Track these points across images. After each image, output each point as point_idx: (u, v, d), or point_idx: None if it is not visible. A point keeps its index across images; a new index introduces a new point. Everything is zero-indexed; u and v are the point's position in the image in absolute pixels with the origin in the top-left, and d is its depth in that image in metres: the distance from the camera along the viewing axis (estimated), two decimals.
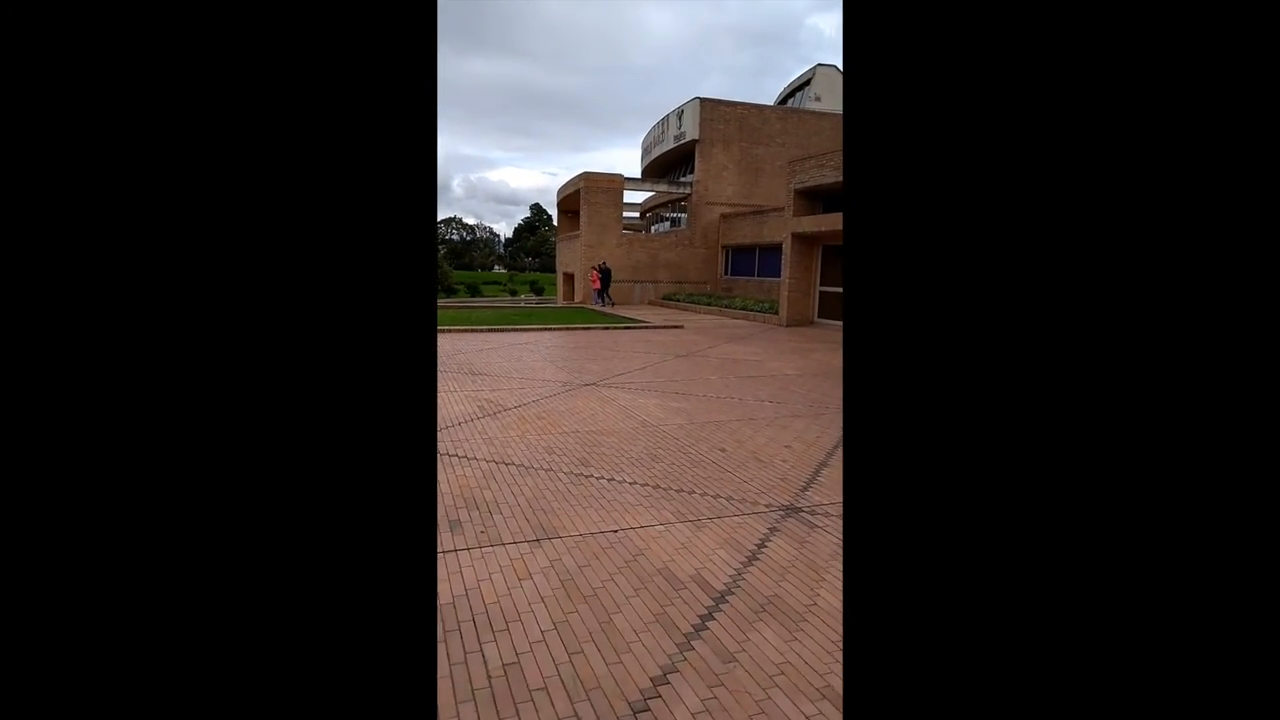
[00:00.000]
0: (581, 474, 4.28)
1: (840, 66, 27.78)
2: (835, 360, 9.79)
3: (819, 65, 28.67)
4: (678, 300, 20.81)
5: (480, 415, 5.87)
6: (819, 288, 15.11)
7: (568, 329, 13.39)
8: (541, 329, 13.25)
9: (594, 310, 18.45)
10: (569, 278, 24.70)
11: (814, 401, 6.76)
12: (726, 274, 22.69)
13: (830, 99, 27.49)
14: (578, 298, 22.18)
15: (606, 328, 13.72)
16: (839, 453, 4.81)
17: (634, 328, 14.02)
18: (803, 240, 14.82)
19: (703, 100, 22.21)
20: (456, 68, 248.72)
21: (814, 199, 14.79)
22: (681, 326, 14.40)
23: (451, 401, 6.40)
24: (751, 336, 12.87)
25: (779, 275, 19.12)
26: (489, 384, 7.35)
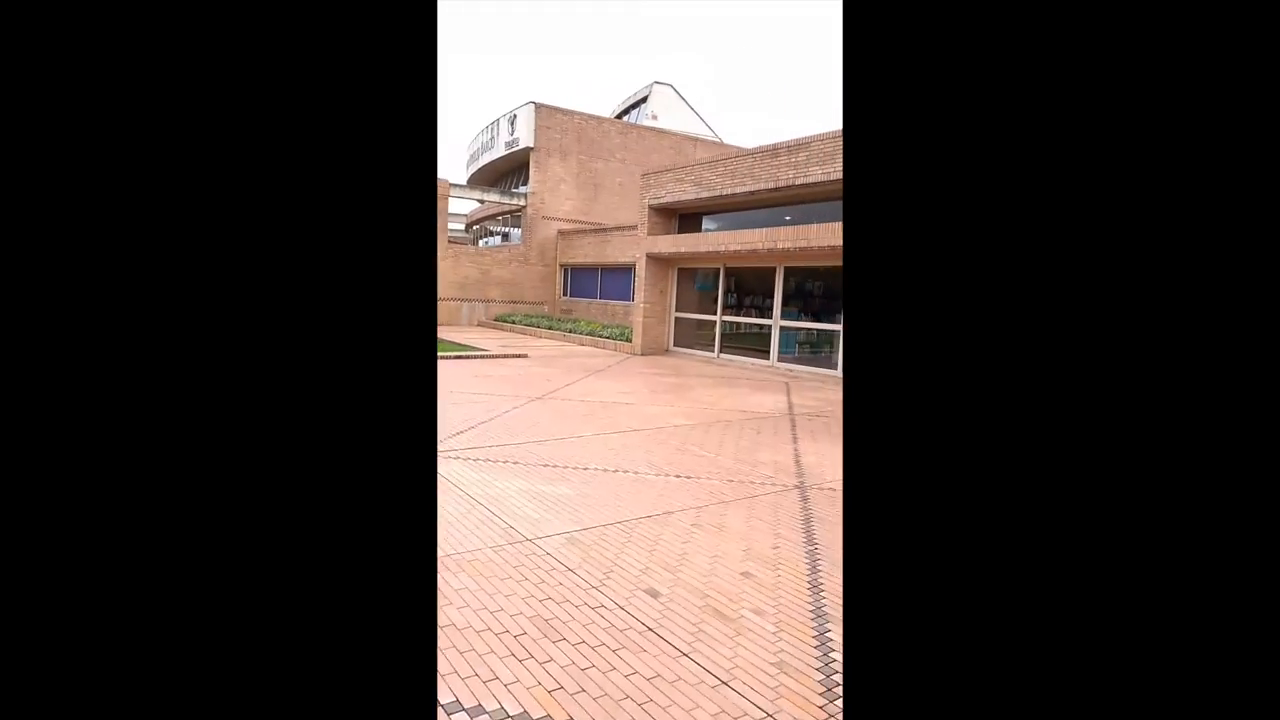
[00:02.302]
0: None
1: (676, 87, 27.55)
2: (720, 400, 8.35)
3: (655, 83, 28.15)
4: (513, 322, 18.62)
5: None
6: (674, 313, 13.82)
7: None
8: None
9: None
10: None
11: (734, 471, 5.13)
12: (566, 295, 20.92)
13: (667, 118, 26.99)
14: None
15: (443, 358, 11.26)
16: (828, 582, 3.18)
17: (469, 357, 11.71)
18: (658, 262, 13.47)
19: (538, 105, 20.39)
20: None
21: (670, 217, 13.52)
22: (525, 355, 12.32)
23: None
24: (609, 368, 11.16)
25: (626, 298, 17.78)
26: None
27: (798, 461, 5.57)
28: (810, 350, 11.49)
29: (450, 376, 9.41)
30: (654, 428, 6.60)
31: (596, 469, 5.02)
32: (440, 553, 3.35)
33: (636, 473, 4.96)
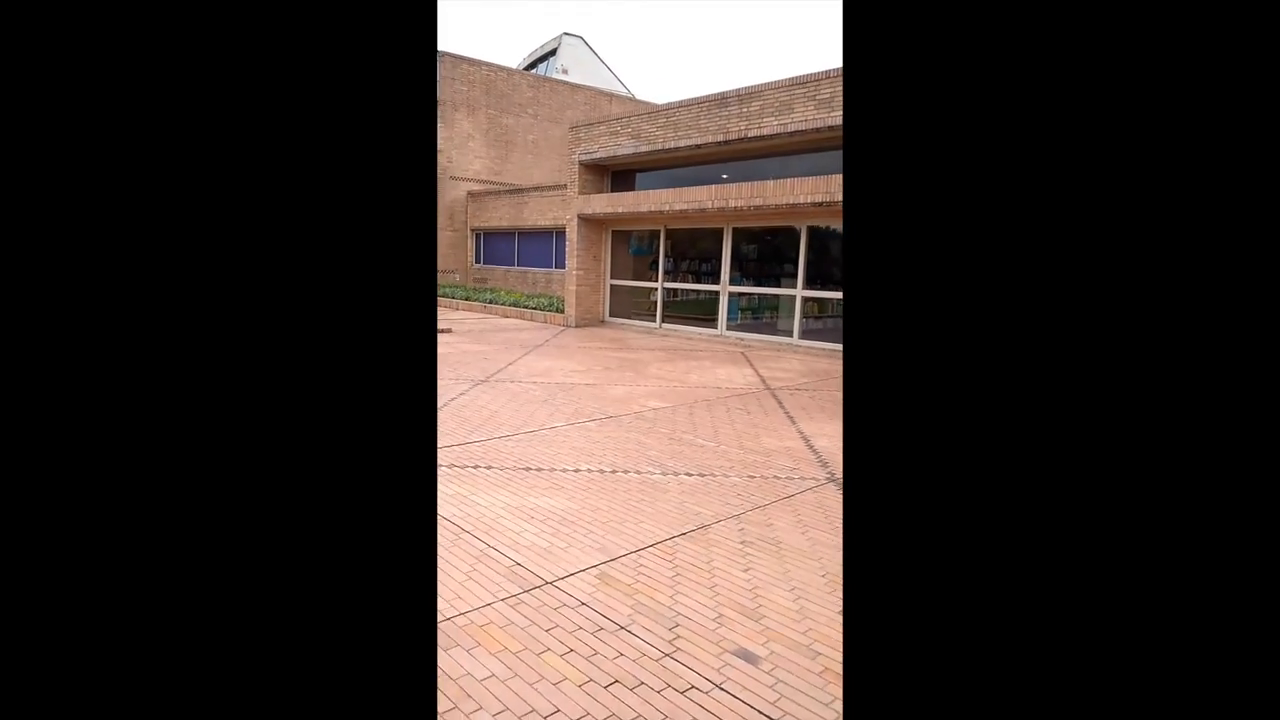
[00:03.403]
0: None
1: (586, 39, 26.14)
2: (684, 375, 7.61)
3: (565, 34, 26.49)
4: None
5: None
6: (610, 280, 12.90)
7: None
8: None
9: None
10: None
11: (748, 464, 4.40)
12: (479, 262, 19.45)
13: (578, 72, 25.49)
14: None
15: None
16: None
17: None
18: (591, 224, 12.45)
19: (443, 54, 18.52)
20: None
21: (602, 174, 12.49)
22: (449, 330, 11.07)
23: None
24: (546, 343, 10.16)
25: (548, 265, 16.64)
26: None
27: (810, 446, 4.91)
28: (754, 316, 10.94)
29: None
30: (630, 413, 5.76)
31: (590, 470, 4.15)
32: (440, 614, 2.41)
33: (639, 472, 4.13)
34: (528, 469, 4.13)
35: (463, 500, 3.55)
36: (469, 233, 19.42)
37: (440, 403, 5.84)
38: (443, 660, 2.15)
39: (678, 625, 2.41)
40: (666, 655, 2.22)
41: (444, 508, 3.43)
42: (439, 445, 4.55)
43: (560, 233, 15.75)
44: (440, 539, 3.06)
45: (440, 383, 6.74)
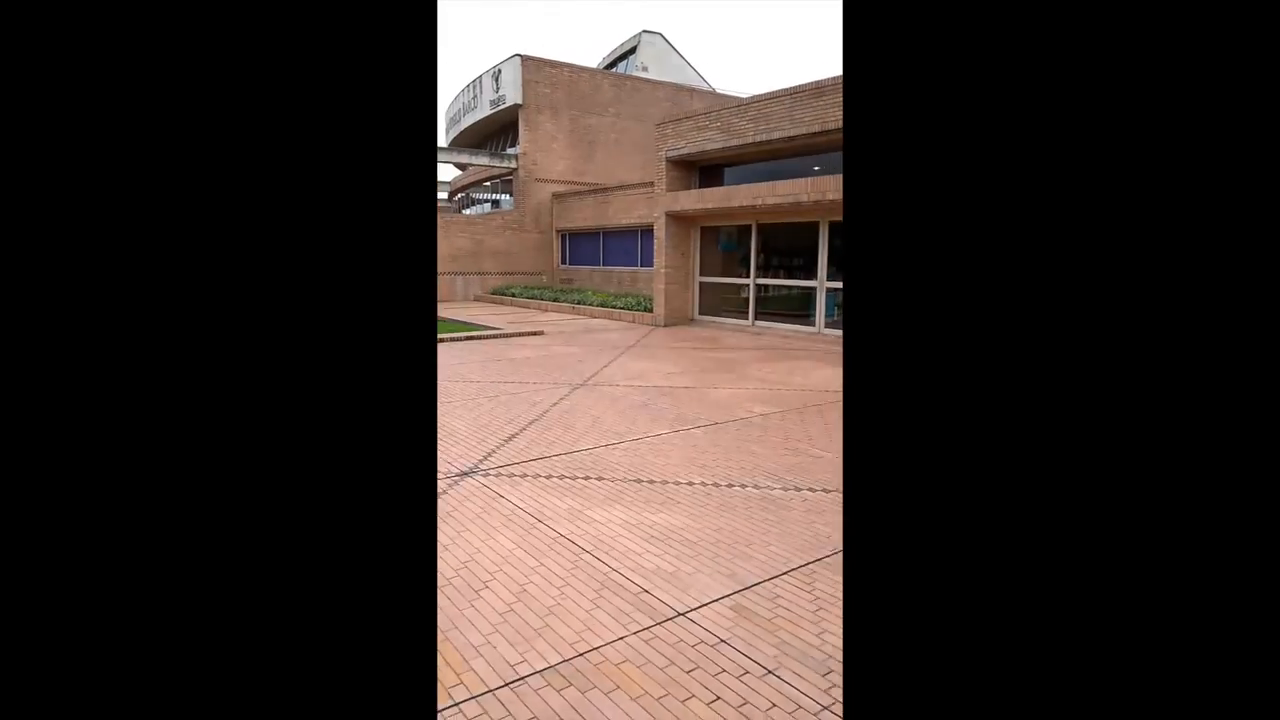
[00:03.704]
0: None
1: (665, 36, 25.93)
2: (786, 377, 7.28)
3: (644, 32, 26.36)
4: (512, 295, 17.33)
5: None
6: (699, 278, 12.65)
7: None
8: None
9: None
10: None
11: None
12: (564, 263, 19.60)
13: (658, 68, 25.31)
14: None
15: (442, 339, 10.06)
16: None
17: (481, 337, 10.50)
18: (680, 221, 12.24)
19: (525, 58, 18.77)
20: None
21: (689, 170, 12.25)
22: (541, 332, 11.14)
23: None
24: (637, 343, 10.03)
25: (633, 264, 16.55)
26: None
27: None
28: None
29: (471, 362, 8.23)
30: (736, 419, 5.52)
31: (704, 483, 3.94)
32: (570, 648, 2.26)
33: (758, 487, 3.89)
34: (639, 480, 3.97)
35: (578, 516, 3.42)
36: (554, 234, 19.61)
37: (543, 408, 5.78)
38: (581, 704, 2.00)
39: (831, 672, 2.17)
40: (825, 709, 1.99)
41: (560, 524, 3.31)
42: (549, 454, 4.46)
43: (645, 231, 15.62)
44: (560, 559, 2.93)
45: (539, 387, 6.71)
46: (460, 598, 2.61)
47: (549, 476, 4.03)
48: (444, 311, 14.67)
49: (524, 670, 2.17)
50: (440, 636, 2.35)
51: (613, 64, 28.07)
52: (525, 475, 4.05)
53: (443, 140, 24.29)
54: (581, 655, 2.24)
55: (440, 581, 2.73)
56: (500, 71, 19.42)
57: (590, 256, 18.53)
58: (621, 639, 2.35)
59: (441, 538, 3.15)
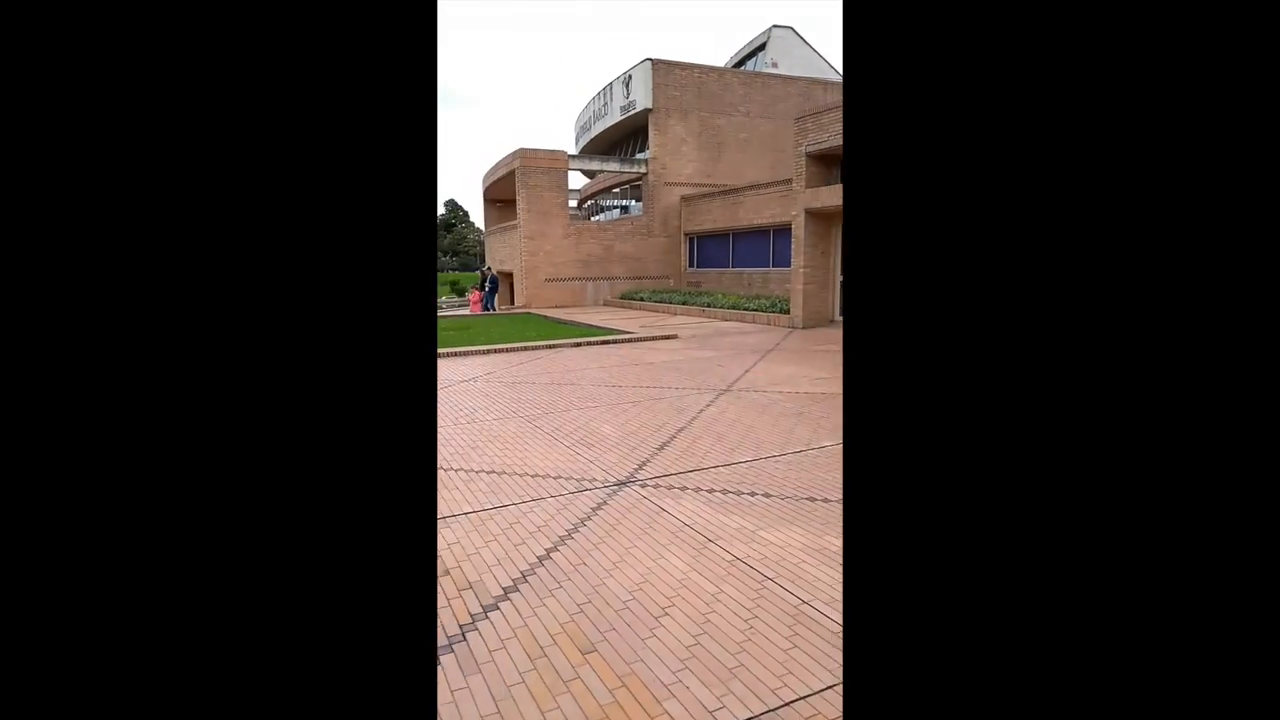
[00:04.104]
0: None
1: (796, 29, 25.11)
2: None
3: (773, 27, 25.70)
4: (640, 299, 17.34)
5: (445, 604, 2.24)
6: (839, 277, 11.98)
7: (524, 349, 9.70)
8: (489, 350, 9.50)
9: (550, 320, 14.70)
10: (505, 277, 20.77)
11: None
12: (692, 266, 19.40)
13: (788, 63, 24.56)
14: (519, 302, 18.35)
15: (577, 344, 10.13)
16: None
17: (615, 341, 10.48)
18: (819, 219, 11.64)
19: (655, 62, 18.77)
20: None
21: (830, 165, 11.63)
22: (675, 336, 10.96)
23: None
24: (777, 346, 9.59)
25: (764, 265, 16.05)
26: (441, 498, 3.69)
27: None
28: None
29: (609, 366, 8.17)
30: None
31: None
32: (773, 695, 1.96)
33: None
34: (812, 499, 3.61)
35: (752, 537, 3.12)
36: (682, 237, 19.47)
37: (690, 415, 5.54)
38: None
39: None
40: None
41: (734, 545, 3.03)
42: (705, 466, 4.20)
43: (777, 230, 15.09)
44: (741, 586, 2.64)
45: (682, 392, 6.49)
46: (640, 625, 2.39)
47: (711, 490, 3.76)
48: (575, 316, 14.89)
49: (725, 719, 1.90)
50: (625, 669, 2.14)
51: (741, 62, 27.58)
52: (685, 488, 3.81)
53: (572, 149, 24.88)
54: (788, 705, 1.94)
55: (617, 604, 2.53)
56: (630, 77, 19.56)
57: (719, 259, 18.20)
58: (831, 688, 2.02)
59: (609, 554, 2.96)
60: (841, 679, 2.06)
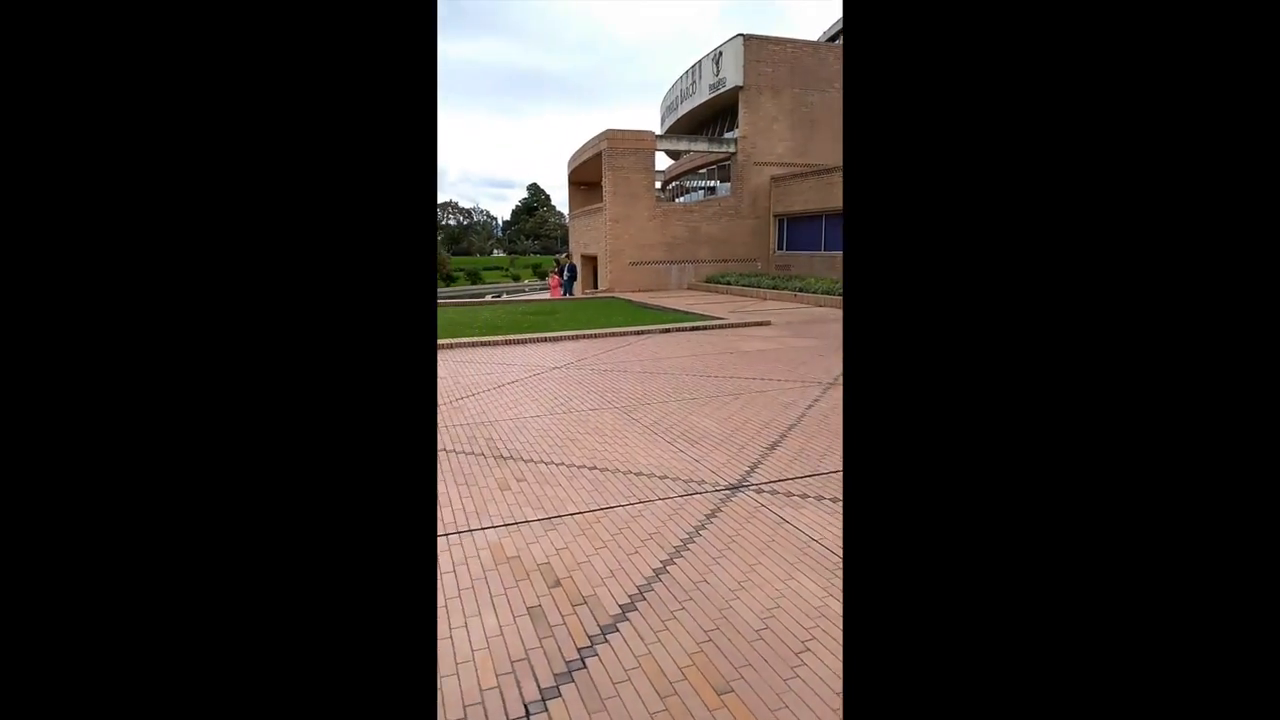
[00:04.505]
0: None
1: None
2: None
3: None
4: (727, 283, 16.89)
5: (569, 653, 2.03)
6: None
7: (612, 334, 9.52)
8: (576, 336, 9.38)
9: (635, 305, 14.51)
10: (589, 260, 20.74)
11: None
12: (781, 249, 18.75)
13: None
14: (603, 285, 18.26)
15: (666, 329, 9.87)
16: None
17: (705, 328, 10.16)
18: None
19: (746, 38, 18.10)
20: (441, 49, 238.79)
21: None
22: (768, 322, 10.53)
23: (463, 564, 2.55)
24: None
25: None
26: (544, 495, 3.49)
27: None
28: None
29: (703, 354, 7.86)
30: None
31: None
32: None
33: None
34: None
35: None
36: (771, 219, 18.83)
37: (798, 411, 5.18)
38: None
39: None
40: None
41: None
42: (823, 470, 3.85)
43: None
44: None
45: (785, 385, 6.11)
46: (779, 662, 2.10)
47: (835, 500, 3.41)
48: (661, 300, 14.63)
49: None
50: (769, 714, 1.86)
51: (837, 35, 26.32)
52: (806, 496, 3.48)
53: (658, 129, 24.50)
54: None
55: (749, 634, 2.25)
56: (721, 54, 18.96)
57: (810, 241, 17.49)
58: None
59: (733, 571, 2.68)
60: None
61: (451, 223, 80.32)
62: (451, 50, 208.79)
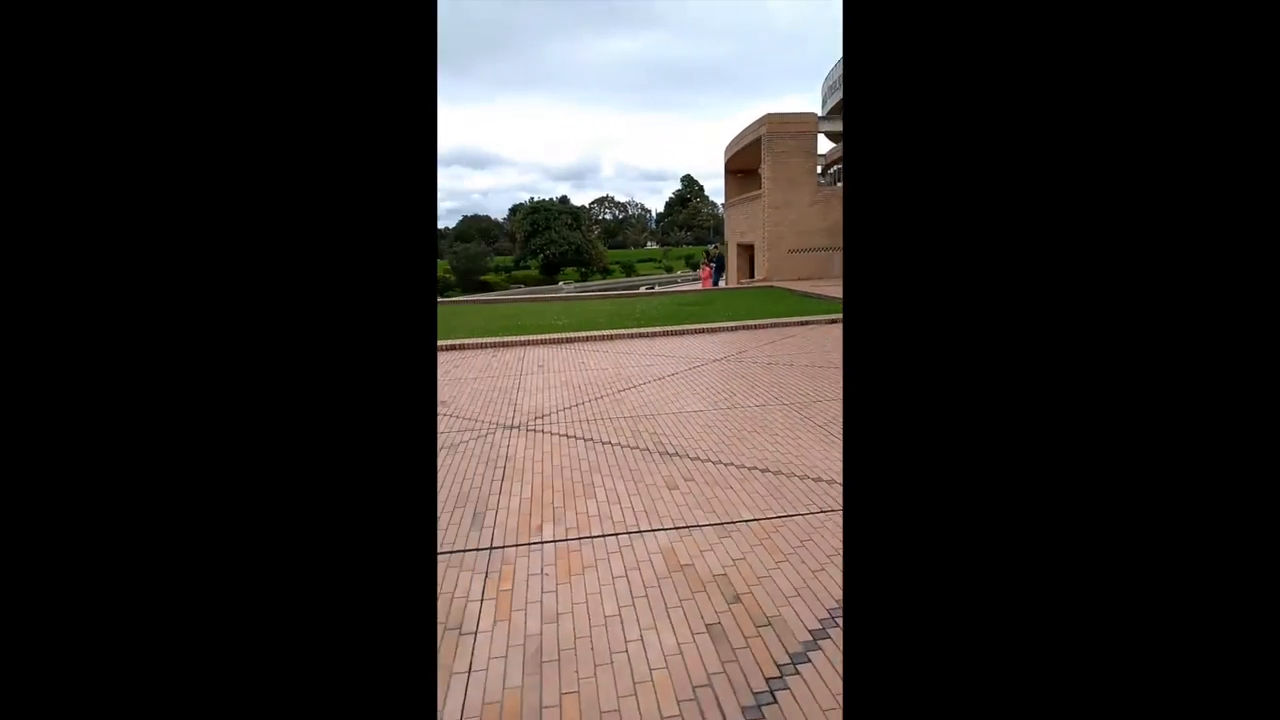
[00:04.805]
0: None
1: None
2: None
3: None
4: None
5: None
6: None
7: (775, 325, 9.13)
8: (735, 327, 9.09)
9: (796, 294, 13.95)
10: (745, 250, 20.30)
11: None
12: None
13: None
14: (758, 275, 17.77)
15: (834, 320, 9.31)
16: None
17: None
18: None
19: None
20: (596, 48, 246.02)
21: None
22: None
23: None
24: None
25: None
26: (715, 497, 3.29)
27: None
28: None
29: None
30: None
31: None
32: None
33: None
34: None
35: None
36: None
37: None
38: None
39: None
40: None
41: None
42: None
43: None
44: None
45: None
46: None
47: None
48: (822, 289, 13.92)
49: None
50: None
51: None
52: None
53: (820, 110, 23.41)
54: None
55: None
56: None
57: None
58: None
59: None
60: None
61: (608, 217, 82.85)
62: (605, 48, 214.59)
